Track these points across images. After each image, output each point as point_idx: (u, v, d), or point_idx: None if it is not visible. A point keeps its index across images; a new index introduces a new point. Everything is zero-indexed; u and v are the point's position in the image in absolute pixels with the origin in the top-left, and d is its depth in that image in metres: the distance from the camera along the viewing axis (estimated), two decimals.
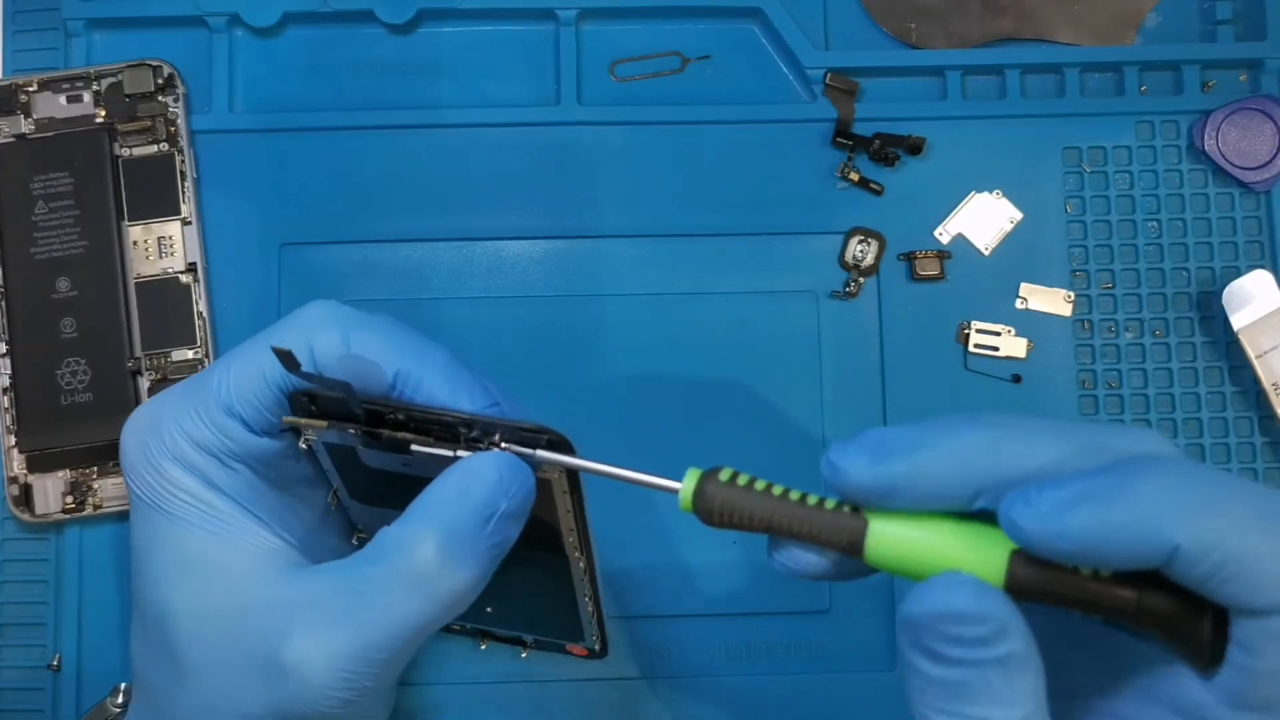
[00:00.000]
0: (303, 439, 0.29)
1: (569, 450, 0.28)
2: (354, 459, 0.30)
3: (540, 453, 0.27)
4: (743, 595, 0.44)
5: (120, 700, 0.41)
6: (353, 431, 0.28)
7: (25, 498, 0.42)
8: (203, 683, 0.27)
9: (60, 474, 0.42)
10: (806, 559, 0.27)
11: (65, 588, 0.43)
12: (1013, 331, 0.45)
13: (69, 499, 0.42)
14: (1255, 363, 0.44)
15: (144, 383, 0.43)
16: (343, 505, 0.32)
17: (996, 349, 0.45)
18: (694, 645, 0.44)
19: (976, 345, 0.45)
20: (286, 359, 0.26)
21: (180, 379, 0.43)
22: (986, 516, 0.25)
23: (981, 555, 0.24)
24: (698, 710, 0.43)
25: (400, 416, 0.28)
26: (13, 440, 0.42)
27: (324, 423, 0.28)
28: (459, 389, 0.29)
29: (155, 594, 0.28)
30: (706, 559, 0.44)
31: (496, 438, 0.27)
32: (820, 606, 0.44)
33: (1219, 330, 0.45)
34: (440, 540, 0.26)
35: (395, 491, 0.30)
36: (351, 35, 0.46)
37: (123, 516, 0.43)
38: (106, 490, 0.43)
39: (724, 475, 0.27)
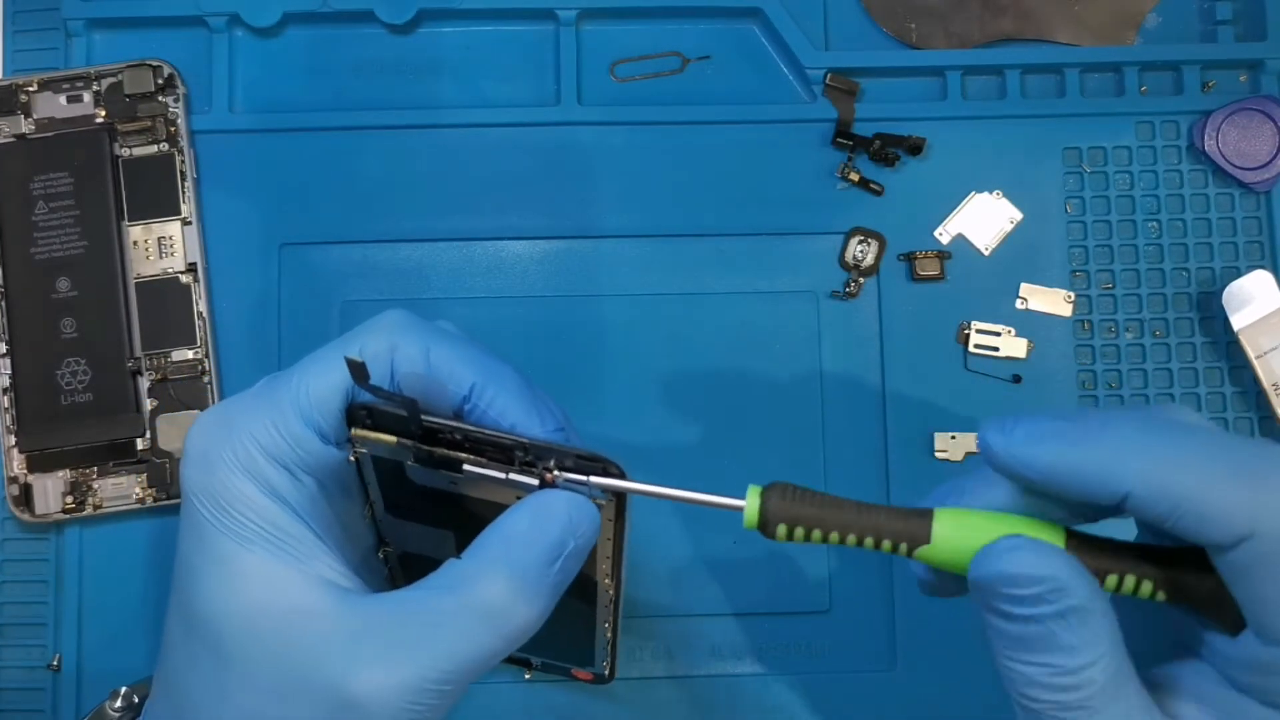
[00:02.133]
0: (353, 452, 0.29)
1: (621, 478, 0.28)
2: (399, 474, 0.29)
3: (595, 479, 0.27)
4: (743, 595, 0.44)
5: (120, 704, 0.40)
6: (407, 447, 0.28)
7: (25, 498, 0.42)
8: (252, 704, 0.27)
9: (60, 474, 0.42)
10: (951, 585, 0.29)
11: (65, 588, 0.43)
12: (1013, 332, 0.45)
13: (69, 499, 0.42)
14: (1255, 363, 0.44)
15: (144, 383, 0.43)
16: (375, 519, 0.32)
17: (996, 349, 0.45)
18: (694, 645, 0.44)
19: (976, 345, 0.45)
20: (358, 370, 0.26)
21: (180, 379, 0.43)
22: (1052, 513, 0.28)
23: None
24: (698, 710, 0.43)
25: (457, 436, 0.28)
26: (13, 440, 0.42)
27: (393, 438, 0.28)
28: (530, 409, 0.29)
29: (207, 610, 0.27)
30: (706, 559, 0.44)
31: (551, 463, 0.27)
32: (820, 606, 0.44)
33: (1219, 330, 0.45)
34: (511, 577, 0.27)
35: (436, 509, 0.30)
36: (351, 35, 0.46)
37: (122, 516, 0.43)
38: (106, 490, 0.43)
39: (784, 489, 0.27)
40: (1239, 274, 0.44)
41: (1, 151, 0.43)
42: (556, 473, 0.27)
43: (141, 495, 0.43)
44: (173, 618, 0.28)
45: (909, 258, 0.45)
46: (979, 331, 0.45)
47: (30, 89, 0.44)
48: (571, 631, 0.34)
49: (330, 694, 0.26)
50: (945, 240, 0.46)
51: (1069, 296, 0.45)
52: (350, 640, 0.26)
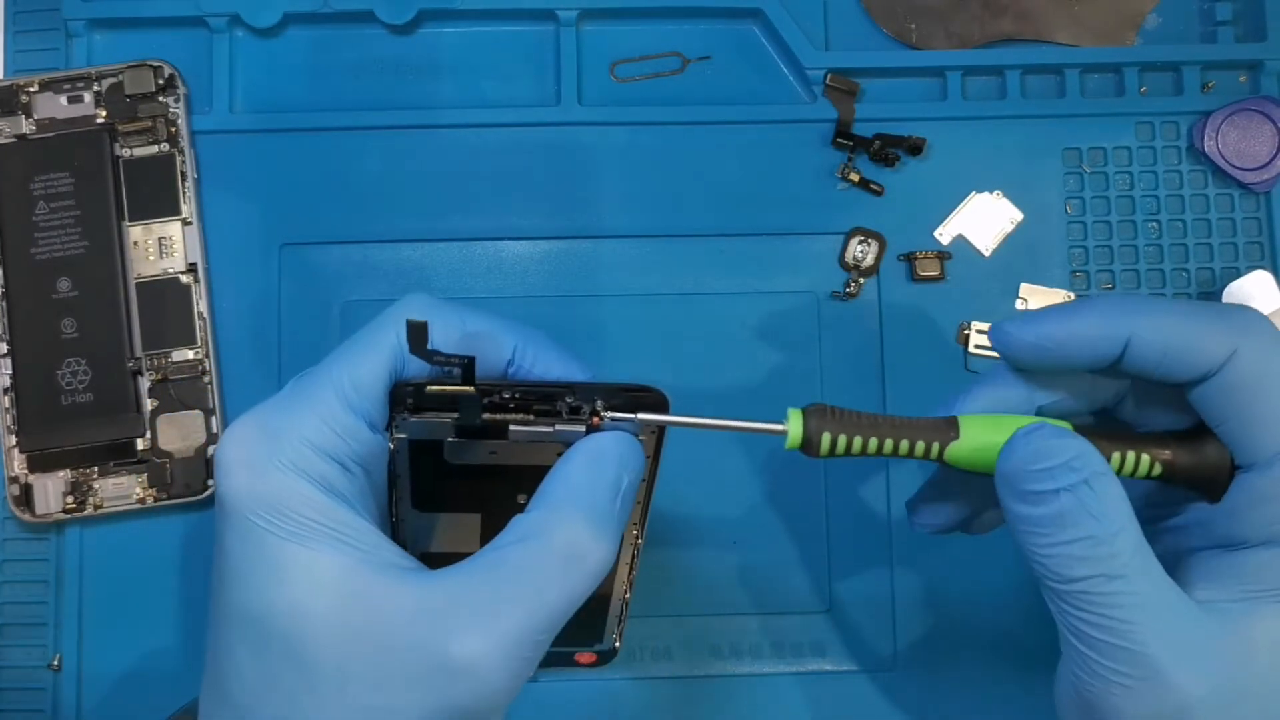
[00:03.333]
0: (392, 438, 0.29)
1: (666, 409, 0.29)
2: (434, 456, 0.29)
3: (642, 415, 0.28)
4: (743, 595, 0.44)
5: None
6: (452, 422, 0.28)
7: (25, 498, 0.42)
8: (350, 702, 0.26)
9: (60, 474, 0.42)
10: (943, 512, 0.34)
11: (65, 588, 0.43)
12: None
13: (69, 499, 0.42)
14: None
15: (144, 383, 0.43)
16: (398, 518, 0.32)
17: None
18: (694, 645, 0.44)
19: (977, 346, 0.45)
20: (419, 331, 0.26)
21: (180, 379, 0.43)
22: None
23: None
24: (698, 710, 0.43)
25: (505, 395, 0.28)
26: (13, 440, 0.42)
27: (471, 388, 0.28)
28: (569, 361, 0.30)
29: (283, 623, 0.26)
30: (707, 559, 0.44)
31: (599, 403, 0.28)
32: (820, 607, 0.44)
33: None
34: (584, 517, 0.27)
35: (468, 489, 0.30)
36: (352, 36, 0.46)
37: (122, 516, 0.43)
38: (107, 490, 0.43)
39: (822, 409, 0.30)
40: (1239, 274, 0.44)
41: (2, 152, 0.43)
42: (603, 414, 0.28)
43: (142, 495, 0.43)
44: (231, 640, 0.27)
45: (909, 258, 0.45)
46: (979, 332, 0.45)
47: (31, 89, 0.44)
48: (586, 604, 0.34)
49: (436, 669, 0.26)
50: (945, 240, 0.46)
51: (1069, 297, 0.45)
52: (442, 613, 0.26)
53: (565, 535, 0.27)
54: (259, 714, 0.27)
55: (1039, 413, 0.31)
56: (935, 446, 0.29)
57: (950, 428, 0.30)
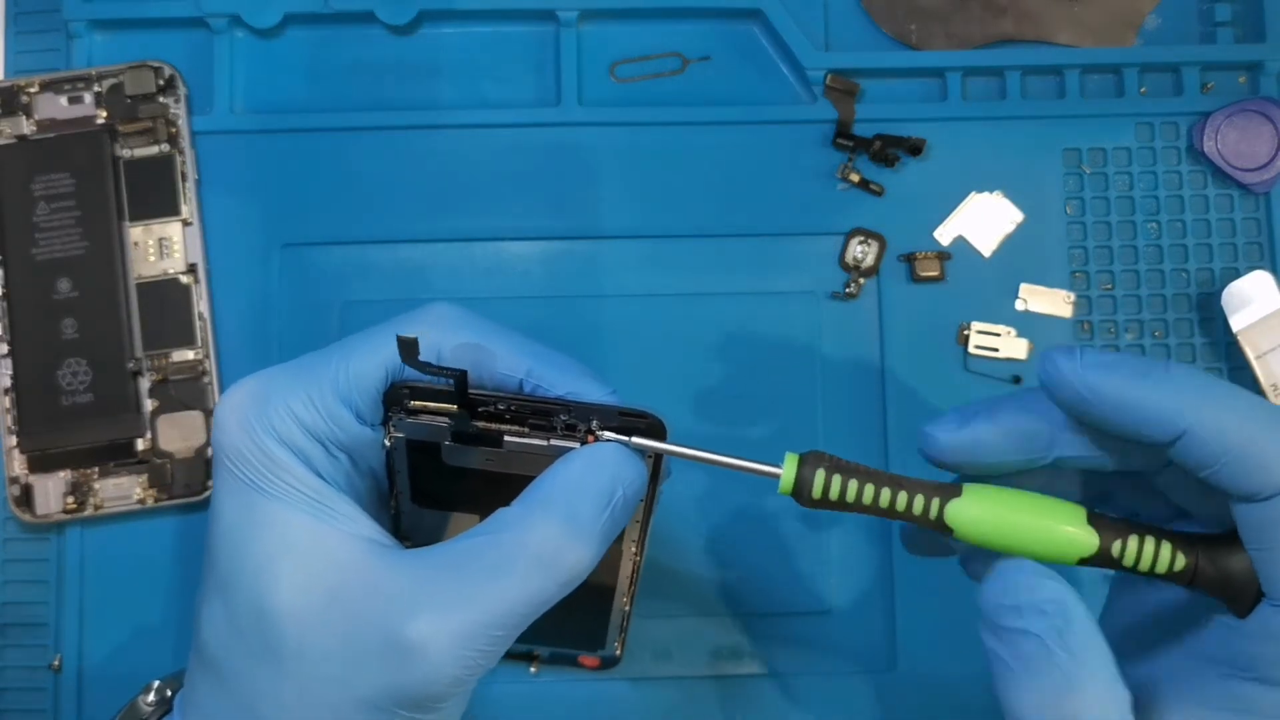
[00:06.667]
0: (388, 436, 0.29)
1: (663, 435, 0.28)
2: (433, 457, 0.30)
3: (636, 439, 0.28)
4: (743, 595, 0.44)
5: (153, 699, 0.40)
6: (446, 426, 0.28)
7: (26, 498, 0.42)
8: (306, 669, 0.27)
9: (61, 474, 0.43)
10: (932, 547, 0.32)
11: (66, 588, 0.43)
12: (1013, 332, 0.45)
13: (70, 499, 0.42)
14: (1255, 364, 0.44)
15: (144, 383, 0.43)
16: (399, 511, 0.32)
17: (996, 350, 0.45)
18: (694, 645, 0.44)
19: (977, 346, 0.45)
20: (409, 346, 0.26)
21: (181, 380, 0.43)
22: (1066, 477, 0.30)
23: (1057, 522, 0.27)
24: (698, 710, 0.43)
25: (499, 406, 0.28)
26: (14, 441, 0.42)
27: (453, 406, 0.28)
28: (586, 378, 0.29)
29: (253, 577, 0.27)
30: (706, 559, 0.44)
31: (594, 423, 0.28)
32: (820, 607, 0.44)
33: (1219, 331, 0.45)
34: (563, 519, 0.27)
35: (466, 491, 0.30)
36: (352, 36, 0.46)
37: (123, 517, 0.43)
38: (107, 491, 0.43)
39: (821, 459, 0.28)
40: (1238, 275, 0.44)
41: (3, 152, 0.43)
42: (598, 433, 0.28)
43: (142, 496, 0.43)
44: (209, 590, 0.28)
45: (909, 258, 0.45)
46: (979, 332, 0.45)
47: (31, 90, 0.44)
48: (585, 611, 0.34)
49: (387, 646, 0.26)
50: (945, 241, 0.46)
51: (1069, 297, 0.45)
52: (404, 590, 0.27)
53: (541, 534, 0.27)
54: (225, 667, 0.28)
55: (1059, 463, 0.29)
56: (935, 503, 0.28)
57: (953, 492, 0.28)
